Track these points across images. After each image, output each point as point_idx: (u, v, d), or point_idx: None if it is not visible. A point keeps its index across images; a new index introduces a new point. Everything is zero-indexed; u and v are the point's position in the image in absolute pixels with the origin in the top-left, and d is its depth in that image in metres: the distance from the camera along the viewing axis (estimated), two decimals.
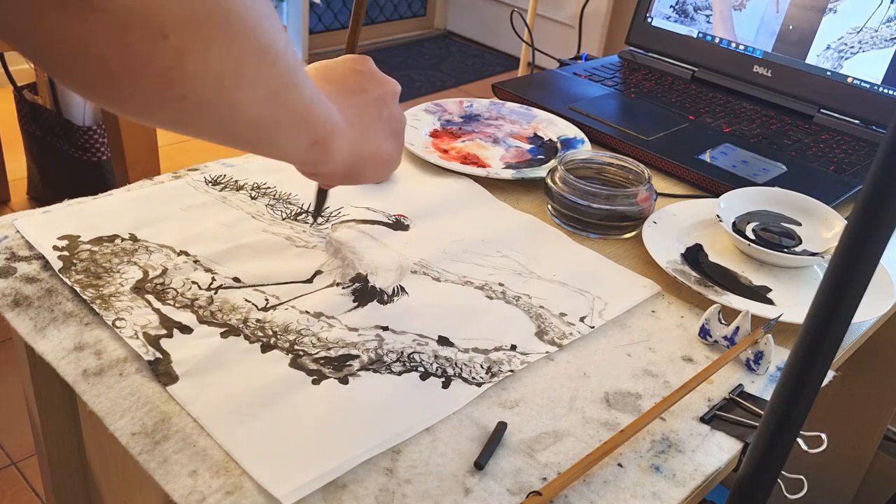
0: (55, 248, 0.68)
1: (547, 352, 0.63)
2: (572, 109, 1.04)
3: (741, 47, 1.14)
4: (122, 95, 0.33)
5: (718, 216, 0.78)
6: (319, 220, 0.76)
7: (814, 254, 0.76)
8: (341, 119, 0.47)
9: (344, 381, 0.57)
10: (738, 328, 0.65)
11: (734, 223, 0.80)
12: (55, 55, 0.31)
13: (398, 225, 0.78)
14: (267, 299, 0.65)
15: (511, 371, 0.60)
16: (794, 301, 0.72)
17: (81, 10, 0.29)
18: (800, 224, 0.81)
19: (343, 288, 0.68)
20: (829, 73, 1.06)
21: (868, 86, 1.03)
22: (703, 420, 0.58)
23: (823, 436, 0.58)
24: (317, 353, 0.60)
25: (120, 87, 0.32)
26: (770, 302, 0.71)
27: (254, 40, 0.36)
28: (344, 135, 0.47)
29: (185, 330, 0.60)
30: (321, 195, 0.71)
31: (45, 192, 2.19)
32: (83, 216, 0.73)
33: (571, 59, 1.29)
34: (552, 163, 0.88)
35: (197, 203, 0.77)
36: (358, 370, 0.59)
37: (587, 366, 0.62)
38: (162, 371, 0.56)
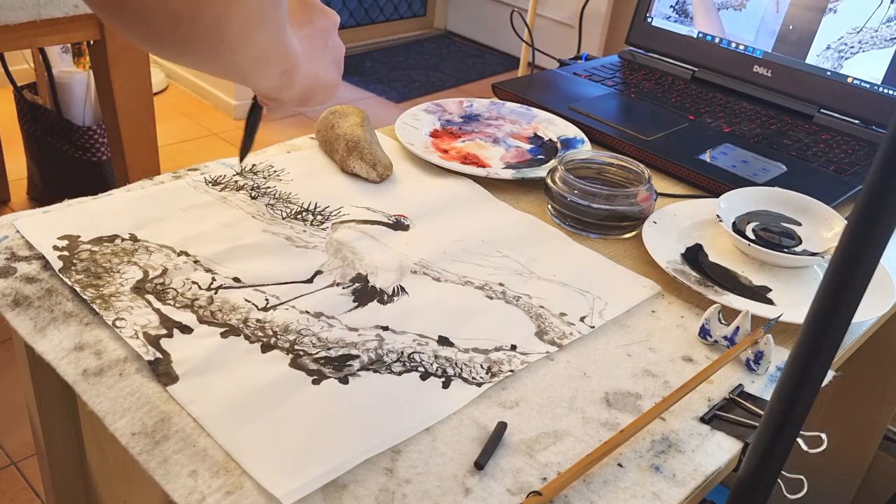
0: (55, 248, 0.68)
1: (547, 352, 0.63)
2: (572, 109, 1.04)
3: (741, 47, 1.14)
4: (176, 41, 0.39)
5: (718, 216, 0.78)
6: (247, 158, 0.72)
7: (814, 254, 0.76)
8: (299, 49, 0.51)
9: (344, 381, 0.58)
10: (738, 328, 0.65)
11: (734, 223, 0.80)
12: (133, 11, 0.37)
13: (398, 225, 0.78)
14: (267, 299, 0.65)
15: (511, 371, 0.60)
16: (794, 301, 0.72)
17: None
18: (800, 224, 0.81)
19: (343, 288, 0.68)
20: (829, 73, 1.06)
21: (868, 86, 1.03)
22: (703, 420, 0.58)
23: (823, 436, 0.58)
24: (317, 353, 0.60)
25: (178, 35, 0.38)
26: (770, 302, 0.71)
27: None
28: (302, 64, 0.51)
29: (186, 330, 0.60)
30: (254, 116, 0.66)
31: (45, 192, 2.19)
32: (83, 216, 0.73)
33: (571, 59, 1.29)
34: (552, 163, 0.88)
35: (197, 203, 0.77)
36: (358, 370, 0.59)
37: (587, 366, 0.62)
38: (162, 371, 0.56)
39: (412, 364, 0.60)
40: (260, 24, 0.42)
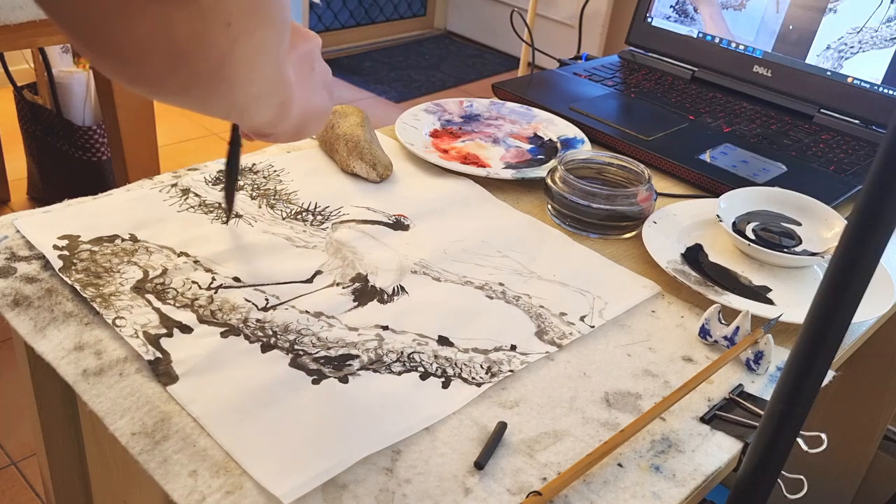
0: (55, 247, 0.68)
1: (547, 352, 0.63)
2: (572, 109, 1.04)
3: (741, 47, 1.14)
4: (175, 82, 0.34)
5: (718, 216, 0.78)
6: (234, 212, 0.74)
7: (814, 254, 0.76)
8: (293, 77, 0.48)
9: (344, 380, 0.58)
10: (738, 328, 0.65)
11: (734, 223, 0.80)
12: (128, 49, 0.32)
13: (398, 225, 0.78)
14: (267, 299, 0.65)
15: (511, 371, 0.60)
16: (794, 301, 0.72)
17: (173, 4, 0.31)
18: (800, 224, 0.81)
19: (343, 288, 0.68)
20: (829, 73, 1.06)
21: (868, 86, 1.03)
22: (703, 420, 0.58)
23: (823, 436, 0.58)
24: (317, 352, 0.60)
25: (177, 76, 0.34)
26: (770, 302, 0.71)
27: (281, 20, 0.37)
28: (295, 93, 0.48)
29: (186, 329, 0.60)
30: (234, 156, 0.65)
31: (45, 192, 2.19)
32: (83, 216, 0.73)
33: (571, 59, 1.29)
34: (552, 163, 0.88)
35: (196, 204, 0.77)
36: (358, 370, 0.59)
37: (587, 366, 0.62)
38: (162, 371, 0.56)
39: (412, 364, 0.60)
40: (264, 57, 0.38)
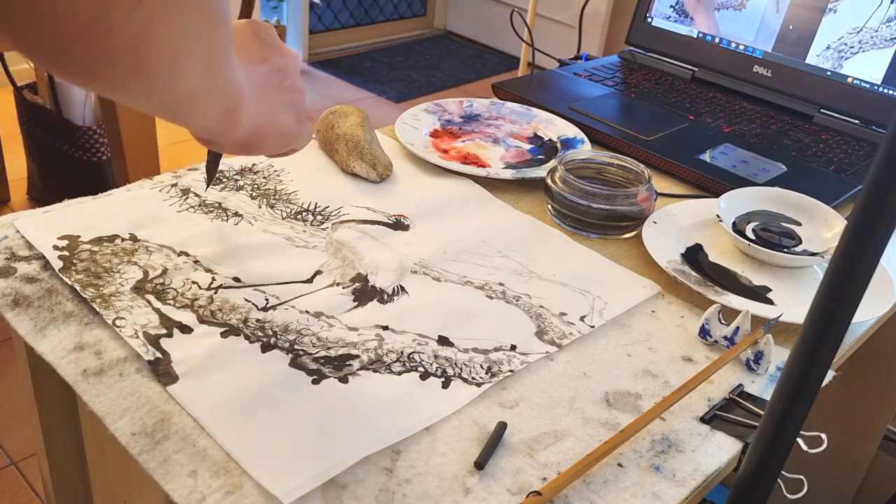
0: (55, 247, 0.68)
1: (547, 352, 0.63)
2: (572, 109, 1.04)
3: (741, 47, 1.14)
4: (80, 58, 0.31)
5: (718, 216, 0.78)
6: (212, 184, 0.77)
7: (814, 254, 0.76)
8: (247, 86, 0.45)
9: (344, 380, 0.58)
10: (738, 328, 0.65)
11: (734, 223, 0.80)
12: (26, 17, 0.29)
13: (398, 225, 0.78)
14: (267, 299, 0.65)
15: (511, 371, 0.60)
16: (794, 301, 0.72)
17: None
18: (800, 224, 0.81)
19: (343, 288, 0.68)
20: (829, 73, 1.06)
21: (868, 86, 1.03)
22: (703, 420, 0.58)
23: (823, 436, 0.58)
24: (317, 352, 0.60)
25: (82, 49, 0.30)
26: (770, 302, 0.71)
27: (215, 11, 0.34)
28: (249, 105, 0.45)
29: (186, 329, 0.60)
30: (215, 158, 0.69)
31: (45, 192, 2.19)
32: (83, 216, 0.73)
33: (571, 59, 1.29)
34: (552, 163, 0.88)
35: (196, 203, 0.77)
36: (358, 370, 0.59)
37: (587, 366, 0.62)
38: (162, 371, 0.56)
39: (412, 364, 0.60)
40: (193, 49, 0.34)
